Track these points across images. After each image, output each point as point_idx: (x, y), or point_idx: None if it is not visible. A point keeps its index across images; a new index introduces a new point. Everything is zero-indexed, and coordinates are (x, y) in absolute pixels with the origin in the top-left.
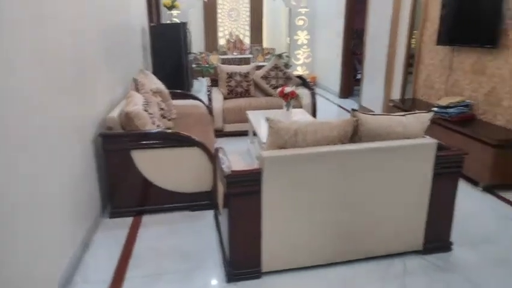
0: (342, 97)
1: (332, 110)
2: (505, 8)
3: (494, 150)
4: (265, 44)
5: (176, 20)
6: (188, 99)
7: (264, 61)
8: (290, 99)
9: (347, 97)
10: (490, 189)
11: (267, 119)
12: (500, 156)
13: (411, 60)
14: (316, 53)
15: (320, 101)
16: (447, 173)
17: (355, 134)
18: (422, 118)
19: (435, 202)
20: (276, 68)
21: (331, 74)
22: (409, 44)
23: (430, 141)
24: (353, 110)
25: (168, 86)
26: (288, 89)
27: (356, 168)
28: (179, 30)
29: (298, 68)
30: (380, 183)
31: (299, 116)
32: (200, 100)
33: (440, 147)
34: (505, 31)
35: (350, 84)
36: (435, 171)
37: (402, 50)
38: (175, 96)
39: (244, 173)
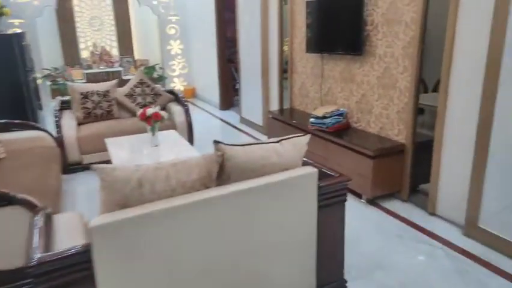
0: (223, 109)
1: (213, 125)
2: (365, 14)
3: (373, 161)
4: (137, 55)
5: (18, 31)
6: (29, 129)
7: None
8: (154, 122)
9: (228, 108)
10: (373, 201)
11: (94, 168)
12: (378, 167)
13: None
14: (193, 63)
15: (199, 114)
16: (332, 204)
17: (222, 172)
18: (299, 143)
19: (323, 238)
20: (141, 83)
21: (210, 85)
22: (281, 51)
23: (310, 170)
24: (216, 142)
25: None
26: (150, 111)
27: (227, 216)
28: (12, 43)
29: (175, 80)
30: (259, 228)
31: (170, 138)
32: (44, 130)
33: (321, 175)
34: (368, 37)
35: (230, 95)
36: (320, 204)
37: (275, 58)
38: (5, 128)
39: (61, 257)
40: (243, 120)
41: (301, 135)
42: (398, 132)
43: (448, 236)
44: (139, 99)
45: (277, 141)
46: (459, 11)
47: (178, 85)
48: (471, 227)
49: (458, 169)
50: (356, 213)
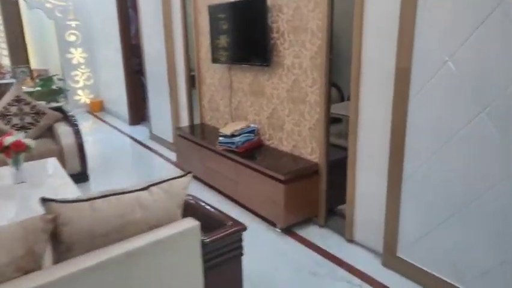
0: (133, 123)
1: (119, 144)
2: (270, 21)
3: (284, 186)
4: (34, 64)
5: None
6: None
7: (34, 86)
8: (15, 154)
9: (138, 123)
10: (288, 229)
11: None
12: (291, 192)
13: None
14: (99, 73)
15: (105, 131)
16: (223, 262)
17: (58, 244)
18: (176, 188)
19: None
20: (18, 100)
21: (118, 98)
22: (188, 60)
23: (189, 225)
24: (43, 200)
25: None
26: (9, 140)
27: None
28: None
29: (80, 92)
30: None
31: (44, 171)
32: None
33: (206, 226)
34: (275, 46)
35: (140, 109)
36: (206, 265)
37: (181, 68)
38: None
39: None
40: (153, 137)
41: (179, 177)
42: (312, 150)
43: (367, 268)
44: (15, 120)
45: (145, 188)
46: (364, 17)
47: (83, 98)
48: (390, 257)
49: (373, 190)
50: (268, 247)
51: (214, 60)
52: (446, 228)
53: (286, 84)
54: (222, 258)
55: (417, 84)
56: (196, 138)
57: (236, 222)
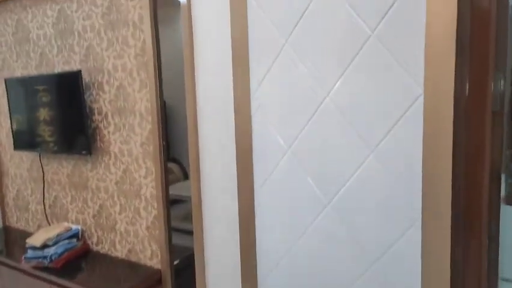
0: None
1: None
2: (89, 100)
3: None
4: None
5: None
6: None
7: None
8: None
9: None
10: None
11: None
12: None
13: None
14: None
15: None
16: None
17: None
18: None
19: None
20: None
21: None
22: None
23: None
24: None
25: None
26: None
27: None
28: None
29: None
30: None
31: None
32: None
33: None
34: (98, 130)
35: None
36: None
37: None
38: None
39: None
40: None
41: None
42: (152, 254)
43: None
44: None
45: None
46: (197, 93)
47: None
48: None
49: None
50: None
51: (18, 146)
52: None
53: (115, 175)
54: None
55: (261, 172)
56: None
57: None
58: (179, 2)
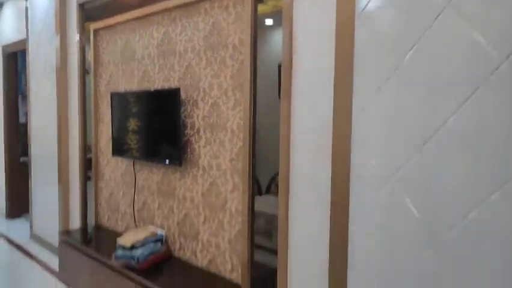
0: (12, 216)
1: None
2: (183, 115)
3: None
4: None
5: None
6: None
7: None
8: None
9: (19, 216)
10: None
11: None
12: None
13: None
14: None
15: None
16: None
17: None
18: None
19: None
20: None
21: None
22: (84, 148)
23: None
24: None
25: None
26: None
27: None
28: None
29: None
30: None
31: None
32: None
33: None
34: (189, 143)
35: (22, 197)
36: None
37: (75, 156)
38: None
39: None
40: (35, 238)
41: None
42: (232, 268)
43: None
44: None
45: None
46: (292, 127)
47: None
48: None
49: None
50: None
51: (116, 153)
52: None
53: (201, 187)
54: None
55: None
56: (86, 247)
57: None
58: (268, 26)
